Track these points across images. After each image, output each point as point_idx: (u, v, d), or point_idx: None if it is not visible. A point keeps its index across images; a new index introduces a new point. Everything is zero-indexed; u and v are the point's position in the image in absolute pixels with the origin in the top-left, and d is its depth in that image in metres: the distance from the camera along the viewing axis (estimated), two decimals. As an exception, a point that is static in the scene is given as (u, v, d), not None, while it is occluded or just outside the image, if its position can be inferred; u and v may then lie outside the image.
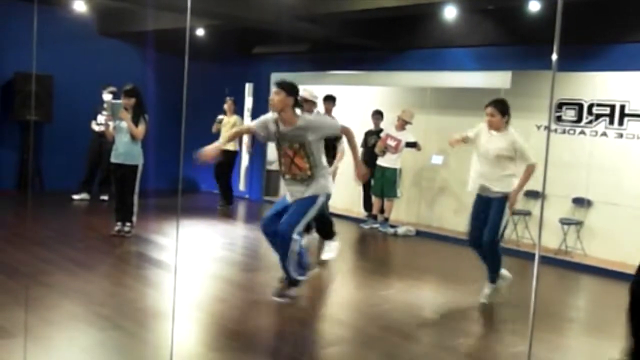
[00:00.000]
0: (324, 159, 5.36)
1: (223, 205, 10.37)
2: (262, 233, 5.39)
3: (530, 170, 5.45)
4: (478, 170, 5.65)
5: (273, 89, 5.24)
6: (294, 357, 4.34)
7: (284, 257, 5.27)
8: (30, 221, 7.98)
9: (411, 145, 9.10)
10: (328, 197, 5.46)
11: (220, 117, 10.22)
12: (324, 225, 7.13)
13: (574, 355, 4.84)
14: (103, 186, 9.96)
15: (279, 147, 5.33)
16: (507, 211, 5.54)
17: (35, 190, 10.24)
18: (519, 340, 4.84)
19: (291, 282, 5.40)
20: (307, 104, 6.71)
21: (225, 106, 10.24)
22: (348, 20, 8.94)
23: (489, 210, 5.58)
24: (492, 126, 5.54)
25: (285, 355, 4.41)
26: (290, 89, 5.17)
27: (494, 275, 5.69)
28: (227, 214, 10.10)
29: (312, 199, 5.26)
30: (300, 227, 5.26)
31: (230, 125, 10.24)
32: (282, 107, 5.13)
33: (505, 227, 5.68)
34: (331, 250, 7.11)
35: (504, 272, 5.73)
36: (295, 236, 5.19)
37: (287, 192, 5.41)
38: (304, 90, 6.65)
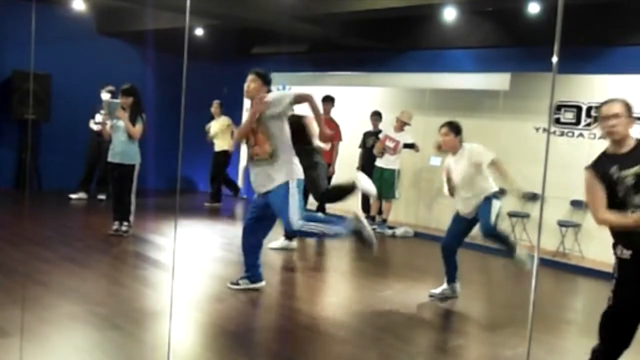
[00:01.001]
0: (287, 145, 5.16)
1: (211, 202, 10.46)
2: (242, 237, 5.57)
3: (500, 165, 5.56)
4: (461, 196, 5.73)
5: (249, 76, 5.29)
6: (292, 357, 4.32)
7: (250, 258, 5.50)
8: (27, 220, 7.96)
9: (409, 146, 9.09)
10: (300, 182, 5.17)
11: (208, 126, 10.32)
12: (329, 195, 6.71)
13: (571, 356, 4.83)
14: (101, 185, 9.95)
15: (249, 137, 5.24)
16: (495, 205, 5.59)
17: (33, 189, 10.22)
18: (517, 341, 4.83)
19: (355, 233, 5.18)
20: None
21: (212, 109, 10.33)
22: (347, 21, 8.94)
23: (473, 220, 5.71)
24: (446, 146, 5.68)
25: (283, 356, 4.39)
26: (266, 79, 5.29)
27: (511, 253, 5.70)
28: (220, 212, 10.15)
29: (284, 189, 5.07)
30: (296, 214, 5.03)
31: (219, 127, 10.26)
32: (256, 95, 5.21)
33: (497, 216, 5.69)
34: None
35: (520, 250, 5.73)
36: (300, 222, 5.03)
37: (253, 183, 5.30)
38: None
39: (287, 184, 5.10)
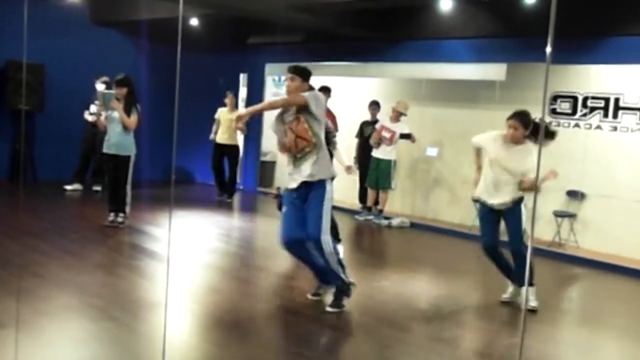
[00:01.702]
0: (324, 145, 5.01)
1: (221, 196, 10.35)
2: (287, 251, 5.11)
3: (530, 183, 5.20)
4: (489, 179, 5.40)
5: (287, 75, 5.04)
6: (288, 348, 4.33)
7: (323, 267, 4.99)
8: (22, 212, 7.93)
9: (405, 136, 9.08)
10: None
11: (217, 116, 10.19)
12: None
13: (567, 346, 4.84)
14: (96, 177, 9.92)
15: (282, 125, 5.02)
16: (524, 213, 5.33)
17: (28, 181, 10.17)
18: (513, 331, 4.85)
19: (343, 289, 5.03)
20: None
21: (227, 100, 10.17)
22: (343, 11, 8.89)
23: (502, 217, 5.42)
24: (513, 139, 5.30)
25: (280, 346, 4.40)
26: (307, 76, 5.06)
27: (529, 279, 5.25)
28: (217, 204, 10.10)
29: (322, 189, 4.90)
30: (325, 225, 4.87)
31: (231, 121, 10.17)
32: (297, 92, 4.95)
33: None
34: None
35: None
36: (324, 237, 4.86)
37: (291, 178, 5.00)
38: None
39: (324, 182, 4.94)
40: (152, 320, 4.51)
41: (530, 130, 5.26)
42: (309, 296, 5.27)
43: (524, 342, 4.47)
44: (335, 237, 6.70)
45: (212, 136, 10.19)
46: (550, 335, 4.88)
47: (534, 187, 5.04)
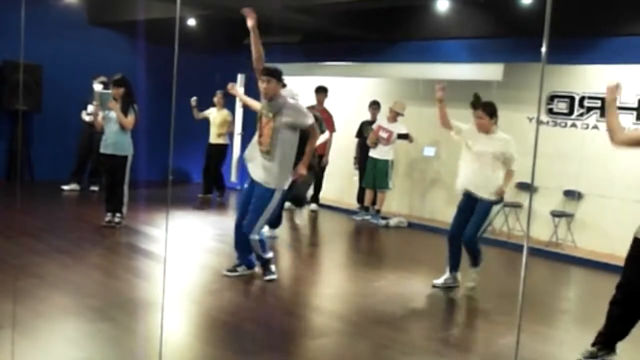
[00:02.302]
0: (290, 152, 5.41)
1: (204, 194, 10.40)
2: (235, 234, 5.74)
3: (511, 175, 5.67)
4: (468, 170, 5.77)
5: (263, 77, 5.39)
6: (285, 348, 4.33)
7: (243, 251, 5.72)
8: (19, 212, 7.92)
9: (403, 136, 9.09)
10: (284, 194, 5.61)
11: (207, 112, 10.21)
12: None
13: (563, 345, 4.85)
14: (93, 177, 9.91)
15: (260, 118, 5.49)
16: (490, 215, 5.73)
17: (25, 181, 10.16)
18: (508, 330, 4.85)
19: (267, 261, 5.67)
20: None
21: (215, 99, 10.20)
22: (340, 11, 8.90)
23: (473, 208, 5.72)
24: (481, 128, 5.68)
25: (276, 346, 4.39)
26: (279, 76, 5.46)
27: (476, 263, 5.90)
28: (214, 203, 10.12)
29: (270, 194, 5.40)
30: (259, 226, 5.47)
31: (220, 119, 10.19)
32: (274, 95, 5.37)
33: (485, 228, 5.83)
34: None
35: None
36: (254, 236, 5.46)
37: (250, 167, 5.52)
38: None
39: (273, 192, 5.42)
40: (149, 320, 4.51)
41: (496, 121, 5.69)
42: (225, 272, 5.75)
43: (521, 341, 4.47)
44: (274, 225, 7.32)
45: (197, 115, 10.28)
46: (547, 335, 4.89)
47: (500, 193, 5.59)
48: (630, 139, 4.03)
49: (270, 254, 5.74)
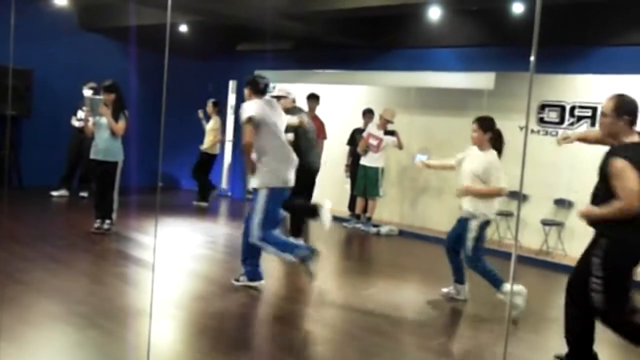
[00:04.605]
0: (268, 153, 5.40)
1: (199, 201, 10.33)
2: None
3: (495, 191, 5.45)
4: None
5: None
6: (274, 355, 4.30)
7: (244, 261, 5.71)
8: (7, 217, 7.85)
9: (389, 133, 9.05)
10: (272, 190, 5.41)
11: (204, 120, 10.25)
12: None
13: (552, 353, 4.84)
14: (83, 183, 9.85)
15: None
16: (472, 231, 5.49)
17: (14, 186, 10.08)
18: (498, 339, 4.84)
19: (304, 258, 5.36)
20: (279, 101, 6.99)
21: (207, 109, 10.22)
22: (332, 19, 8.91)
23: (462, 224, 5.66)
24: (473, 142, 5.62)
25: (266, 354, 4.37)
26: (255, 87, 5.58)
27: (494, 284, 5.54)
28: (204, 211, 10.04)
29: (255, 194, 5.49)
30: (257, 226, 5.39)
31: (209, 128, 10.17)
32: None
33: (476, 244, 5.55)
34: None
35: (507, 285, 5.47)
36: (258, 238, 5.38)
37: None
38: (278, 90, 7.28)
39: (258, 191, 5.44)
40: (137, 327, 4.47)
41: (491, 136, 5.55)
42: (233, 281, 5.73)
43: (510, 350, 4.47)
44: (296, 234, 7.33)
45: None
46: (537, 343, 4.88)
47: (461, 194, 5.54)
48: (635, 191, 3.71)
49: (290, 254, 5.43)
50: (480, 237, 5.52)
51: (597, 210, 3.91)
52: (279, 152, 5.47)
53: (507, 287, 5.40)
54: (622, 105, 3.87)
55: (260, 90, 5.57)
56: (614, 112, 3.87)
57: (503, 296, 5.44)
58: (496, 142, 5.58)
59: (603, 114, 3.95)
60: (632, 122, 3.90)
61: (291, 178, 5.55)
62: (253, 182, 5.47)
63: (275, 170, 5.42)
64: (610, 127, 3.92)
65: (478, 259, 5.52)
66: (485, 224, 5.56)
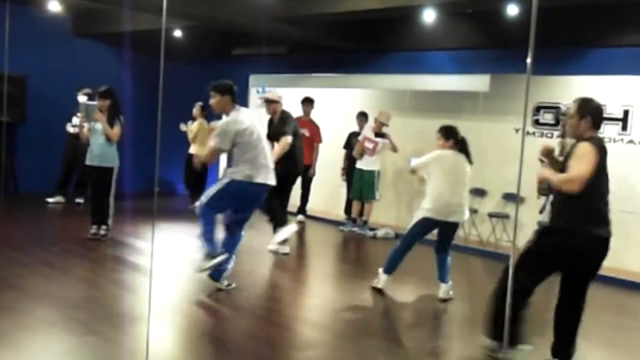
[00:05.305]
0: (240, 159, 5.48)
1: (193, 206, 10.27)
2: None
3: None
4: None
5: (210, 92, 5.65)
6: (273, 361, 4.29)
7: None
8: (3, 224, 7.82)
9: (380, 135, 9.04)
10: (233, 182, 5.49)
11: (190, 127, 10.15)
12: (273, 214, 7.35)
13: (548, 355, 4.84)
14: (78, 189, 9.82)
15: None
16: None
17: (9, 193, 10.05)
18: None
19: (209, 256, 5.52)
20: (271, 105, 7.25)
21: (194, 111, 10.15)
22: (327, 22, 8.93)
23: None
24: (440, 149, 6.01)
25: (262, 358, 4.36)
26: (223, 90, 5.64)
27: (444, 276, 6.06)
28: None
29: (219, 180, 5.69)
30: (204, 198, 5.54)
31: (196, 130, 10.07)
32: (222, 109, 5.61)
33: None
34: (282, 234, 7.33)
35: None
36: (200, 208, 5.52)
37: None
38: (269, 92, 7.32)
39: (223, 178, 5.64)
40: (135, 333, 4.45)
41: (455, 141, 5.97)
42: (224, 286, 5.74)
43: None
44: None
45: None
46: (535, 344, 4.88)
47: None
48: (582, 176, 3.93)
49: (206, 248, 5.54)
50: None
51: (548, 172, 4.19)
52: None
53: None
54: (586, 107, 4.13)
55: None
56: (577, 113, 4.12)
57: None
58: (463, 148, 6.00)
59: (569, 116, 4.19)
60: (595, 124, 4.18)
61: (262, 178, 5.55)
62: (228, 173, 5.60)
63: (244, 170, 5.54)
64: (575, 128, 4.15)
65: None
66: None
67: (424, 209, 5.88)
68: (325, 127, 9.85)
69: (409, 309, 5.74)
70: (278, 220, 7.33)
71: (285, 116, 7.39)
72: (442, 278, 6.02)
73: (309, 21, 8.70)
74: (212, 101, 5.60)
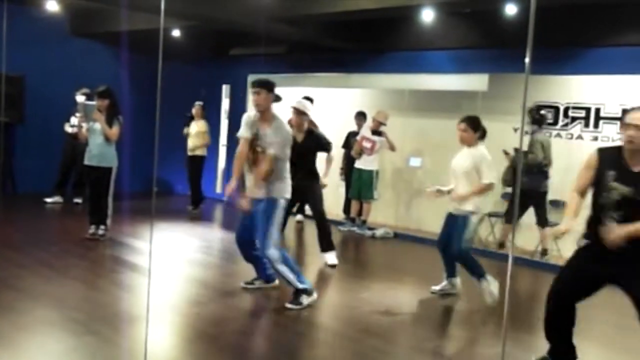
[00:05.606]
0: (285, 166, 5.30)
1: (192, 207, 10.23)
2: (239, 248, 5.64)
3: (483, 187, 5.58)
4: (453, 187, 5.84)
5: (253, 89, 5.28)
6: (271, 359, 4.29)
7: (262, 265, 5.65)
8: (1, 224, 7.82)
9: (377, 133, 9.03)
10: (284, 200, 5.29)
11: (187, 129, 10.10)
12: (321, 235, 7.19)
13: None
14: (77, 189, 9.81)
15: (252, 145, 5.28)
16: (468, 227, 5.68)
17: (7, 193, 10.04)
18: (494, 340, 4.84)
19: (296, 292, 5.33)
20: (298, 116, 6.86)
21: (193, 111, 10.10)
22: (326, 22, 8.92)
23: (454, 223, 5.75)
24: (463, 142, 5.70)
25: (262, 358, 4.35)
26: (271, 87, 5.30)
27: (474, 274, 5.79)
28: (197, 217, 9.97)
29: (269, 203, 5.18)
30: (271, 237, 5.15)
31: (196, 131, 10.04)
32: (266, 107, 5.23)
33: (468, 239, 5.76)
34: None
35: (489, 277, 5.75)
36: (270, 252, 5.15)
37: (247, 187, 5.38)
38: (297, 102, 6.96)
39: (274, 200, 5.20)
40: (133, 333, 4.45)
41: (480, 134, 5.72)
42: (242, 284, 5.77)
43: (507, 350, 4.47)
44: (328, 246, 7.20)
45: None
46: (534, 344, 4.87)
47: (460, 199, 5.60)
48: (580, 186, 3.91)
49: (304, 284, 5.34)
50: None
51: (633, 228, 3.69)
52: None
53: (489, 278, 5.71)
54: None
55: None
56: None
57: (486, 284, 5.67)
58: (483, 137, 5.79)
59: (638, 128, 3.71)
60: None
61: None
62: (266, 192, 5.20)
63: (287, 180, 5.36)
64: None
65: (469, 252, 5.77)
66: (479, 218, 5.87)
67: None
68: (324, 126, 9.83)
69: (409, 308, 5.74)
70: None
71: (315, 131, 7.15)
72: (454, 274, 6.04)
73: (308, 21, 8.69)
74: (258, 97, 5.17)
